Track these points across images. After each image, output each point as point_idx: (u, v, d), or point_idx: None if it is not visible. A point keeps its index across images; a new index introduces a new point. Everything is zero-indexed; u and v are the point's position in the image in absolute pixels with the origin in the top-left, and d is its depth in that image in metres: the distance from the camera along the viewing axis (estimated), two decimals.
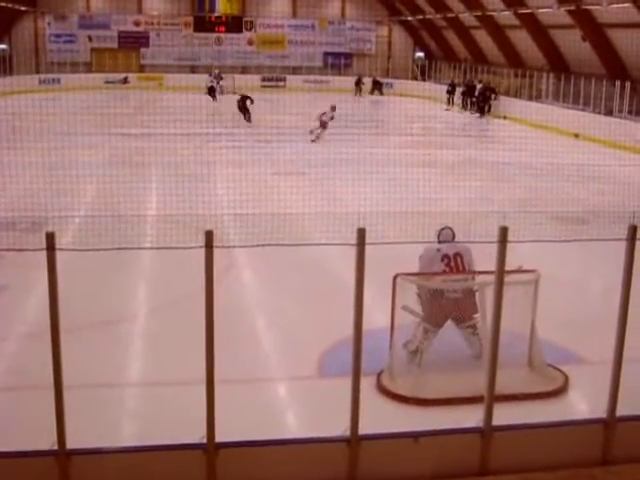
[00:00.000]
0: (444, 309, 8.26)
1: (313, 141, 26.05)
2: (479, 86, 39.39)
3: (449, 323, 8.47)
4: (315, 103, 32.41)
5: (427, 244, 8.75)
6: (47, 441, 5.87)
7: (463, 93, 40.51)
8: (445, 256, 8.46)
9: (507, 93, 37.48)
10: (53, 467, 5.85)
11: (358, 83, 47.40)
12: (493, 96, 36.77)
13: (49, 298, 5.70)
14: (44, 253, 5.65)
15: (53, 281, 5.69)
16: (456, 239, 8.72)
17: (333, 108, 27.21)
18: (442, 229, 8.76)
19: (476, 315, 8.34)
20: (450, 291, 8.28)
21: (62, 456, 5.84)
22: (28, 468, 5.92)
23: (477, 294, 8.25)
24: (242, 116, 30.72)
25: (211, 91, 40.47)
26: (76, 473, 5.89)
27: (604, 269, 9.37)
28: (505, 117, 35.86)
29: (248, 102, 30.80)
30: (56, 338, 5.73)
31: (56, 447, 5.83)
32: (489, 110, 36.68)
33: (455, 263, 8.46)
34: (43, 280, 5.75)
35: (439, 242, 8.66)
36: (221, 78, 44.05)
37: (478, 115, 37.26)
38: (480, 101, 37.42)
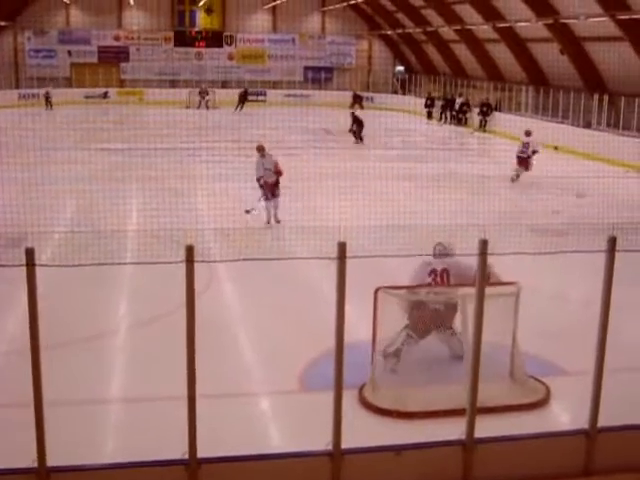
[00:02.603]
0: (427, 319, 8.36)
1: None
2: (459, 100, 39.62)
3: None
4: (296, 117, 32.44)
5: (422, 258, 8.86)
6: (27, 458, 5.82)
7: (443, 107, 40.75)
8: (433, 271, 8.74)
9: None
10: None
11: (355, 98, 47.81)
12: (490, 111, 36.72)
13: (29, 314, 5.66)
14: (24, 269, 5.62)
15: (33, 297, 5.65)
16: (451, 253, 8.95)
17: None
18: (437, 244, 9.03)
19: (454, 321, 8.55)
20: (434, 303, 8.39)
21: (43, 473, 5.79)
22: None
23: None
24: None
25: (47, 99, 43.00)
26: None
27: (584, 280, 9.43)
28: (485, 130, 36.08)
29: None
30: (36, 354, 5.69)
31: (36, 464, 5.79)
32: (485, 125, 36.52)
33: (441, 278, 8.70)
34: (23, 296, 5.71)
35: (434, 256, 8.89)
36: (207, 93, 44.64)
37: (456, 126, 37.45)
38: (459, 115, 37.46)
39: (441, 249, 8.97)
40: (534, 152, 21.68)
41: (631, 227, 11.79)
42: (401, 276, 9.01)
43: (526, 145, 21.81)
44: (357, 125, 30.75)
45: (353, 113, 32.18)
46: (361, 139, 30.57)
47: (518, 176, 21.66)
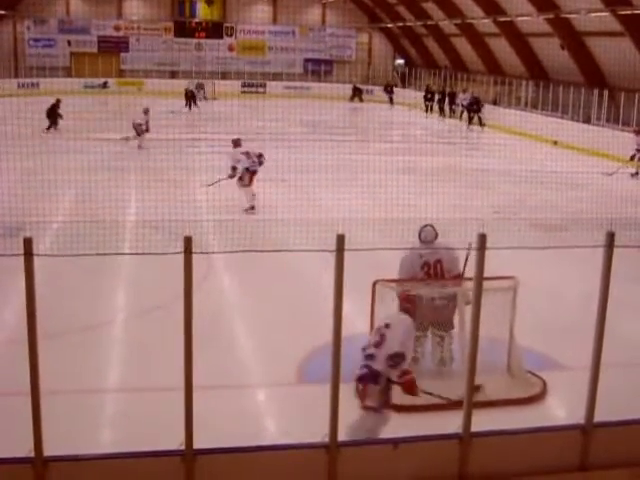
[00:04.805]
0: (431, 314, 8.28)
1: (140, 147, 25.18)
2: (461, 95, 39.19)
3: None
4: (296, 109, 32.38)
5: (408, 249, 8.73)
6: (24, 448, 5.82)
7: (440, 100, 40.58)
8: (425, 264, 8.46)
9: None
10: (30, 474, 5.79)
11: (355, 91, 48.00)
12: (479, 106, 36.34)
13: (26, 304, 5.64)
14: (22, 258, 5.60)
15: (30, 287, 5.63)
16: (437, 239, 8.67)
17: (146, 111, 26.06)
18: (424, 227, 8.63)
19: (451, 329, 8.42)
20: (437, 298, 8.30)
21: (39, 463, 5.79)
22: (4, 475, 5.86)
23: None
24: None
25: None
26: None
27: (582, 275, 9.43)
28: (484, 124, 35.98)
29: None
30: (33, 343, 5.67)
31: (33, 454, 5.78)
32: (480, 121, 36.05)
33: (434, 271, 8.47)
34: (21, 286, 5.70)
35: (420, 241, 8.60)
36: (202, 85, 44.45)
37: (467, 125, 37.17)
38: (471, 111, 37.02)
39: (430, 231, 8.54)
40: (261, 159, 17.19)
41: (630, 222, 11.81)
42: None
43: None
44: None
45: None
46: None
47: None
